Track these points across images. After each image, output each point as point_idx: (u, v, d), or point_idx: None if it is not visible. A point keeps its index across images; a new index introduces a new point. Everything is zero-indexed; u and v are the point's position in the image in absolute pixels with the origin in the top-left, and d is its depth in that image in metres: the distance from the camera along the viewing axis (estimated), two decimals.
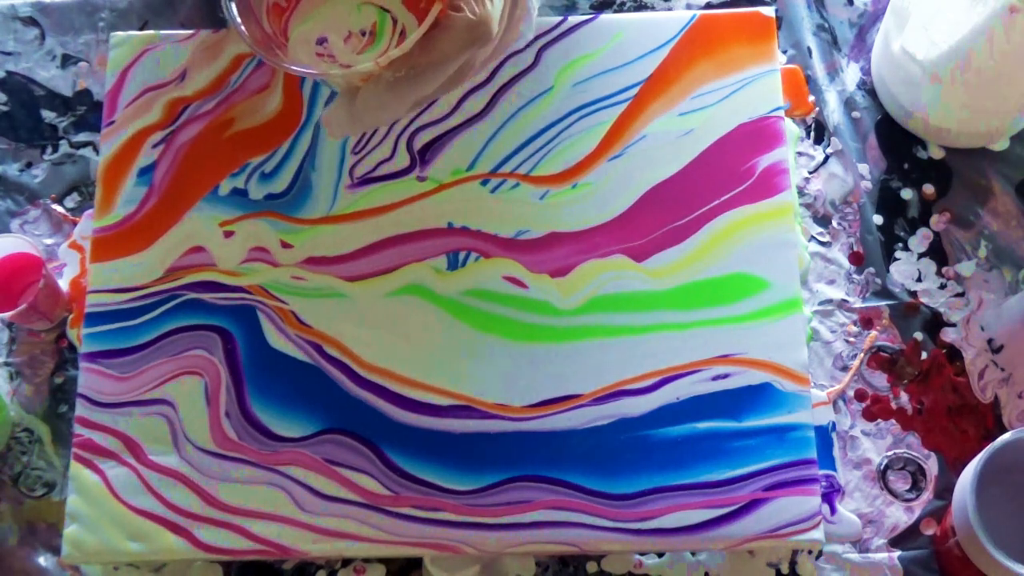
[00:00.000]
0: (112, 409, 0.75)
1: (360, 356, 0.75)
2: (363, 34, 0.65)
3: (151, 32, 0.84)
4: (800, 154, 0.81)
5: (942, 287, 0.78)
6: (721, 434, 0.71)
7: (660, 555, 0.73)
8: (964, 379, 0.76)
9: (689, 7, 0.85)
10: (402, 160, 0.79)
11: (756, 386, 0.72)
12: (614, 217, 0.76)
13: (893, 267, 0.78)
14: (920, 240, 0.79)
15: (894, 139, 0.81)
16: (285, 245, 0.78)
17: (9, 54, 0.88)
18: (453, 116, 0.80)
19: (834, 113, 0.82)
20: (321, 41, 0.65)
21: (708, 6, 0.85)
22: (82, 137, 0.85)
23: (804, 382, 0.72)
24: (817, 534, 0.69)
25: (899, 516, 0.73)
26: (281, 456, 0.73)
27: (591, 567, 0.74)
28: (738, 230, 0.75)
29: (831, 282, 0.78)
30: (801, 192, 0.80)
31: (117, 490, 0.73)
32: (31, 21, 0.89)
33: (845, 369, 0.76)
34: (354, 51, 0.65)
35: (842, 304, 0.78)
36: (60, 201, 0.84)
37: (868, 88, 0.83)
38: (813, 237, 0.79)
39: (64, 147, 0.85)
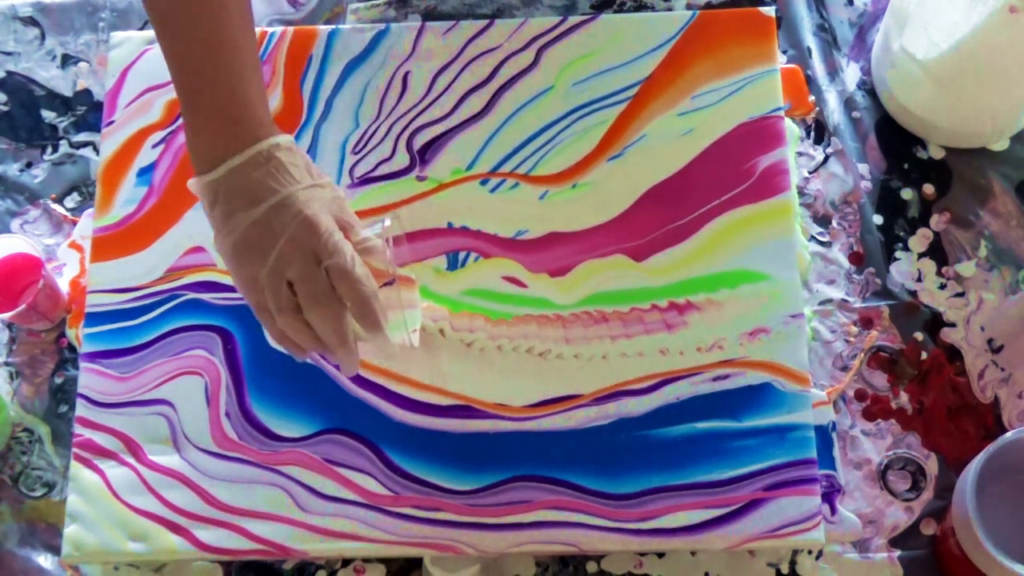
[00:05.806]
0: (112, 409, 0.75)
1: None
2: None
3: (151, 32, 0.84)
4: (800, 154, 0.81)
5: (942, 287, 0.78)
6: (721, 434, 0.71)
7: (660, 555, 0.73)
8: (964, 379, 0.75)
9: (690, 7, 0.85)
10: (402, 160, 0.79)
11: (756, 386, 0.72)
12: (614, 217, 0.76)
13: (893, 267, 0.78)
14: (920, 240, 0.79)
15: (894, 139, 0.81)
16: None
17: (9, 54, 0.88)
18: (453, 116, 0.80)
19: (834, 113, 0.82)
20: None
21: (708, 6, 0.85)
22: (82, 137, 0.85)
23: (804, 382, 0.72)
24: (817, 534, 0.69)
25: (899, 516, 0.73)
26: (281, 456, 0.73)
27: (591, 567, 0.74)
28: (738, 230, 0.75)
29: (831, 282, 0.78)
30: (801, 192, 0.80)
31: (117, 490, 0.73)
32: (31, 21, 0.89)
33: (845, 369, 0.76)
34: None
35: (842, 304, 0.78)
36: (60, 201, 0.84)
37: (868, 88, 0.83)
38: (813, 237, 0.79)
39: (64, 147, 0.85)
